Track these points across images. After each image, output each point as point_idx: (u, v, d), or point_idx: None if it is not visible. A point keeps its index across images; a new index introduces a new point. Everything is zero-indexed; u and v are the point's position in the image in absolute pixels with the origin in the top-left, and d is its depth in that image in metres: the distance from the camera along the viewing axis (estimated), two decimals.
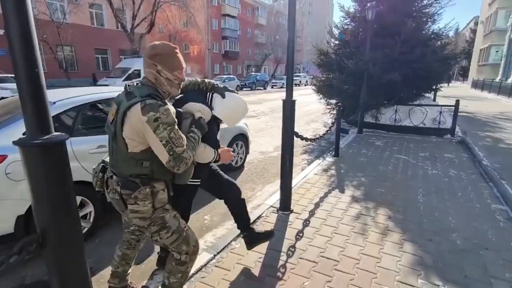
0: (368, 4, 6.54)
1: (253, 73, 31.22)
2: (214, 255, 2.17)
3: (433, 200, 3.08)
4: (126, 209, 1.40)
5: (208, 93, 1.79)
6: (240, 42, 37.15)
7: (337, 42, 8.32)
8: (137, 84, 1.39)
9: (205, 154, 1.62)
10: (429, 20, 6.99)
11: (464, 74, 40.60)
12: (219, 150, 1.70)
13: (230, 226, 2.66)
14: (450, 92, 21.18)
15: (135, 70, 13.67)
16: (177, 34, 25.40)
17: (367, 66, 6.29)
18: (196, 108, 1.56)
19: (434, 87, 7.88)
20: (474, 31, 37.06)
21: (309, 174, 3.90)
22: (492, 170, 3.87)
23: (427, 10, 6.89)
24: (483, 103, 13.47)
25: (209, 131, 1.59)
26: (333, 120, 4.72)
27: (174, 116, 1.33)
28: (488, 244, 2.28)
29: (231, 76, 26.57)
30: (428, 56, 6.15)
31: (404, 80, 6.49)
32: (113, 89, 3.06)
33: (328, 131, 4.11)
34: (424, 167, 4.17)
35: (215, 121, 1.73)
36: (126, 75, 13.35)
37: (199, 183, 1.82)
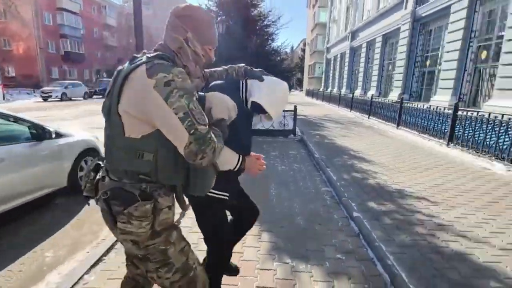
0: (218, 18, 7.06)
1: (105, 79, 27.83)
2: None
3: (283, 191, 3.62)
4: (115, 227, 0.99)
5: (241, 81, 1.37)
6: (86, 43, 32.47)
7: None
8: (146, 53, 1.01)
9: (223, 157, 1.17)
10: (269, 38, 8.26)
11: (300, 84, 49.84)
12: (246, 157, 1.31)
13: (81, 257, 2.27)
14: (290, 99, 25.53)
15: None
16: None
17: None
18: (225, 103, 1.13)
19: None
20: (304, 50, 46.08)
21: None
22: (321, 160, 4.92)
23: (267, 30, 8.11)
24: (314, 107, 16.89)
25: (238, 129, 1.21)
26: None
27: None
28: (320, 219, 2.88)
29: (76, 81, 22.72)
30: (270, 69, 7.25)
31: None
32: None
33: None
34: (275, 164, 4.85)
35: (247, 118, 1.38)
36: None
37: (228, 198, 1.38)
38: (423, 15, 10.54)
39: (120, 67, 1.03)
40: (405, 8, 11.70)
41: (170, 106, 0.88)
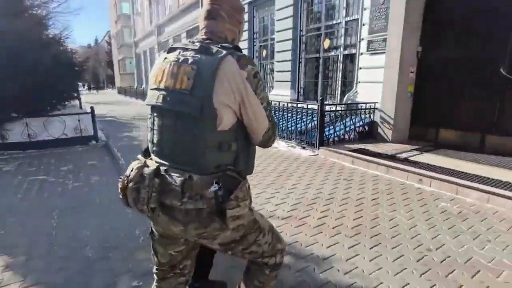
0: None
1: None
2: None
3: (69, 216, 2.85)
4: (220, 220, 0.95)
5: None
6: None
7: None
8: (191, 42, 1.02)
9: None
10: (45, 21, 6.51)
11: (112, 81, 44.82)
12: None
13: None
14: (99, 98, 22.38)
15: None
16: None
17: None
18: None
19: (75, 94, 7.72)
20: (110, 44, 41.42)
21: None
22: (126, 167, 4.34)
23: (37, 12, 6.34)
24: (127, 106, 15.48)
25: None
26: None
27: None
28: (117, 242, 2.41)
29: None
30: (47, 62, 5.72)
31: (29, 89, 5.65)
32: None
33: None
34: (65, 182, 3.84)
35: None
36: None
37: None
38: None
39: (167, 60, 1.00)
40: (201, 7, 12.44)
41: (258, 97, 0.99)
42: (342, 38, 6.61)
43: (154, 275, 1.23)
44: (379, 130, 5.45)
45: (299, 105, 5.78)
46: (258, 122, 1.02)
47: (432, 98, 5.13)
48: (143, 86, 23.13)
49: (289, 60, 7.91)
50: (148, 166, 1.00)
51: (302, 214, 2.82)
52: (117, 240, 2.44)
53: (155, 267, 1.21)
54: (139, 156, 1.10)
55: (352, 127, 5.38)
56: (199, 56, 0.96)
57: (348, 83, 6.61)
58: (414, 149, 4.69)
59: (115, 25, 31.55)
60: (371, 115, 5.60)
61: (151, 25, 19.90)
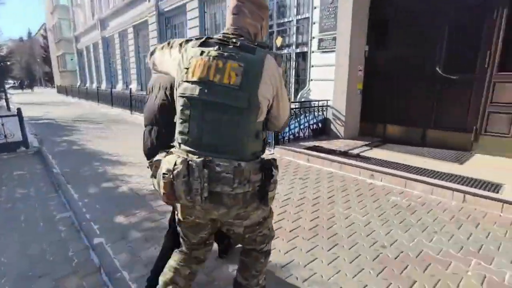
0: None
1: None
2: None
3: None
4: (256, 201, 1.12)
5: None
6: None
7: None
8: (229, 37, 1.10)
9: None
10: None
11: (51, 79, 40.59)
12: None
13: None
14: (35, 98, 20.08)
15: None
16: None
17: None
18: None
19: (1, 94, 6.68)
20: (46, 38, 37.43)
21: None
22: (62, 176, 3.83)
23: None
24: (68, 107, 14.06)
25: None
26: None
27: None
28: (45, 267, 2.04)
29: None
30: None
31: None
32: None
33: None
34: None
35: None
36: None
37: None
38: (166, 9, 10.98)
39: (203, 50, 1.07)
40: (149, 1, 11.73)
41: (286, 90, 1.17)
42: (294, 36, 6.64)
43: (184, 248, 1.32)
44: (332, 127, 5.56)
45: None
46: (285, 112, 1.20)
47: (379, 96, 5.37)
48: (88, 84, 21.28)
49: None
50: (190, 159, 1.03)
51: None
52: (44, 266, 2.07)
53: (186, 246, 1.31)
54: (174, 150, 1.12)
55: (306, 124, 5.41)
56: (242, 53, 1.05)
57: (301, 81, 6.67)
58: (364, 145, 4.85)
59: (51, 17, 28.52)
60: (324, 113, 5.70)
61: (93, 18, 18.30)
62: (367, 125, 5.63)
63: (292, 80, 6.85)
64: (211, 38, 1.10)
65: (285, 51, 6.90)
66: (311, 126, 5.51)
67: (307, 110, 5.44)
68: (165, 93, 1.47)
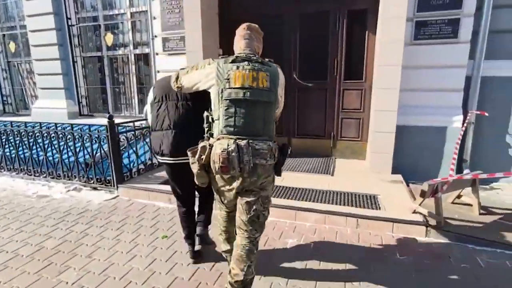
0: None
1: None
2: None
3: None
4: (273, 172, 1.62)
5: None
6: None
7: None
8: (249, 55, 1.58)
9: None
10: None
11: None
12: None
13: None
14: None
15: None
16: None
17: None
18: None
19: None
20: None
21: None
22: None
23: None
24: None
25: None
26: None
27: None
28: None
29: None
30: None
31: None
32: None
33: None
34: None
35: None
36: None
37: None
38: None
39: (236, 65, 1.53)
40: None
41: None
42: (130, 33, 5.22)
43: (223, 214, 1.79)
44: None
45: (80, 122, 3.92)
46: (281, 105, 1.71)
47: None
48: None
49: (57, 59, 5.57)
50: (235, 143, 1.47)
51: None
52: None
53: (225, 209, 1.76)
54: (227, 135, 1.50)
55: None
56: (265, 66, 1.55)
57: (146, 90, 5.33)
58: None
59: None
60: None
61: None
62: None
63: (134, 89, 5.40)
64: (237, 57, 1.55)
65: (120, 51, 5.36)
66: None
67: None
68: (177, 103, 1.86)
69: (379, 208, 2.74)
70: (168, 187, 3.20)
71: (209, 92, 1.58)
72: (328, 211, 2.66)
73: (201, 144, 1.55)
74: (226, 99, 1.48)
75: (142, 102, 5.34)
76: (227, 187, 1.57)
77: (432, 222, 2.46)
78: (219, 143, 1.48)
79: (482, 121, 3.60)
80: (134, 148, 3.70)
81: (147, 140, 3.94)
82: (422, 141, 3.77)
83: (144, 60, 5.23)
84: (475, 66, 3.54)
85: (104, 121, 3.47)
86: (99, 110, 5.80)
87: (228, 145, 1.44)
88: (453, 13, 3.47)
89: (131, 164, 3.68)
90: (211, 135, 1.58)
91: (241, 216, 1.59)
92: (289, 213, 2.73)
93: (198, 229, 2.12)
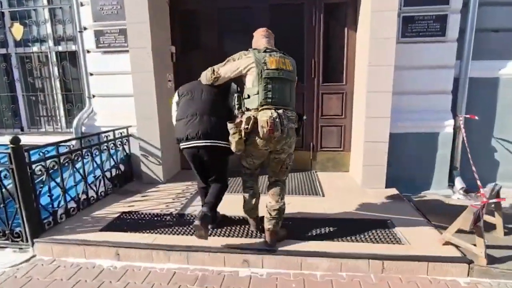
0: None
1: None
2: None
3: None
4: (295, 134, 2.03)
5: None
6: None
7: None
8: (273, 49, 2.04)
9: None
10: None
11: None
12: None
13: None
14: None
15: None
16: None
17: None
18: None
19: None
20: None
21: None
22: None
23: None
24: None
25: None
26: None
27: None
28: None
29: None
30: None
31: None
32: None
33: None
34: None
35: None
36: None
37: None
38: None
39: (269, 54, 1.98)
40: None
41: None
42: (49, 24, 4.00)
43: (249, 172, 2.19)
44: (143, 167, 3.60)
45: None
46: None
47: None
48: None
49: None
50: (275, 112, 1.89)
51: None
52: None
53: (251, 169, 2.17)
54: (266, 106, 1.91)
55: (99, 173, 3.15)
56: (286, 56, 2.05)
57: (76, 98, 4.13)
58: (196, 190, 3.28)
59: None
60: (126, 147, 3.64)
61: None
62: None
63: (59, 97, 4.16)
64: (267, 49, 2.01)
65: (35, 48, 4.08)
66: (108, 173, 3.30)
67: (95, 147, 3.16)
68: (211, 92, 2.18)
69: (400, 241, 2.18)
70: (115, 236, 2.26)
71: (229, 86, 2.20)
72: (343, 253, 2.02)
73: (245, 115, 1.91)
74: (265, 78, 1.90)
75: (70, 113, 4.13)
76: (265, 148, 1.96)
77: (472, 256, 1.98)
78: (263, 113, 1.86)
79: (471, 125, 3.36)
80: (59, 179, 2.61)
81: (78, 166, 2.87)
82: (412, 149, 3.40)
83: (70, 59, 4.04)
84: (463, 66, 3.29)
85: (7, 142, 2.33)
86: (7, 125, 4.37)
87: (271, 113, 1.84)
88: (440, 8, 3.17)
89: (55, 204, 2.58)
90: (247, 109, 1.97)
91: (274, 169, 2.10)
92: (291, 261, 2.02)
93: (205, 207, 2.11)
